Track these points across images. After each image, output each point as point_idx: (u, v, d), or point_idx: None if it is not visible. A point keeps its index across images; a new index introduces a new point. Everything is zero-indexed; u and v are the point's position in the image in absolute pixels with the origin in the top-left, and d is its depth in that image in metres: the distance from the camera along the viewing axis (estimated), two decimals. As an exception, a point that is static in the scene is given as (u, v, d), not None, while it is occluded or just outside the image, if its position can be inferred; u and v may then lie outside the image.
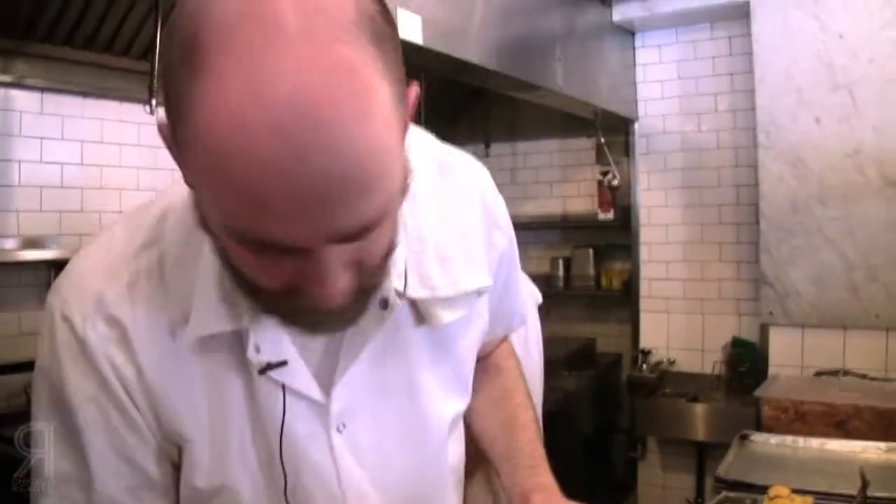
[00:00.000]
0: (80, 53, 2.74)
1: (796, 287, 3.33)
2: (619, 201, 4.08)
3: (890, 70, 3.15)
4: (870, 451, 2.23)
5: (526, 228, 4.15)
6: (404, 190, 0.69)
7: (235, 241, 0.66)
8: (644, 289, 4.08)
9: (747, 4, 3.45)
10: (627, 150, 4.09)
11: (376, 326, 0.83)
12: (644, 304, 4.08)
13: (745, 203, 3.76)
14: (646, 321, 4.07)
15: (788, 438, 2.36)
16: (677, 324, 3.99)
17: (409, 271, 0.86)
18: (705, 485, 3.64)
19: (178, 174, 0.70)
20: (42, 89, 2.80)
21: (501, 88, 3.08)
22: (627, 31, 3.96)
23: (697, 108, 3.92)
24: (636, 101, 4.04)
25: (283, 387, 0.83)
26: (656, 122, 4.02)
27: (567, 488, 1.06)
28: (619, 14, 3.75)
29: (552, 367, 3.35)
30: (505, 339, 1.26)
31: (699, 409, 3.56)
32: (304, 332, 0.79)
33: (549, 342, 3.05)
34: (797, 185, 3.32)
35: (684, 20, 3.84)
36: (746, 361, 3.62)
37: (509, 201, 1.07)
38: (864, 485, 1.70)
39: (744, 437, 2.38)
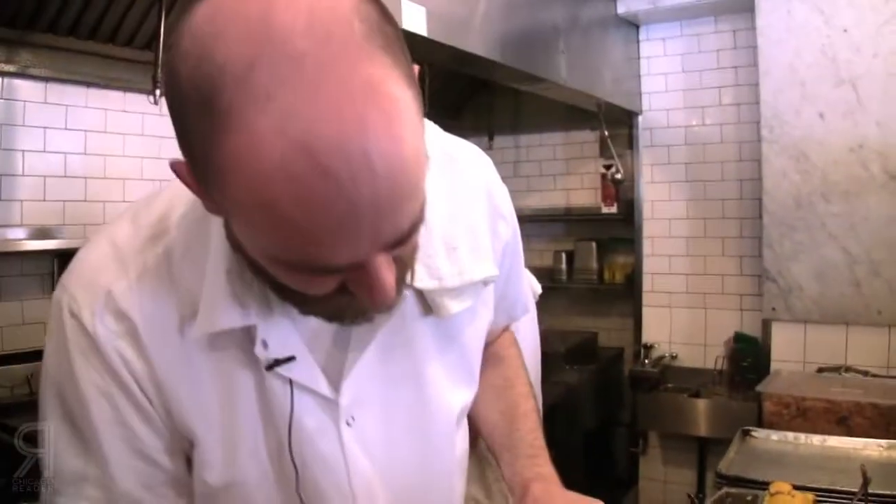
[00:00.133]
0: (83, 43, 2.74)
1: (799, 282, 3.32)
2: (623, 195, 4.07)
3: (894, 65, 3.14)
4: (871, 447, 2.24)
5: (529, 221, 4.14)
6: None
7: (284, 269, 0.67)
8: (647, 283, 4.07)
9: (752, -2, 3.44)
10: (631, 143, 4.07)
11: (384, 318, 0.83)
12: (646, 298, 4.07)
13: (749, 198, 3.75)
14: (648, 315, 4.07)
15: (790, 434, 2.37)
16: (680, 318, 3.98)
17: (416, 262, 0.86)
18: (706, 480, 3.64)
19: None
20: (46, 79, 2.80)
21: (505, 80, 3.08)
22: (631, 24, 3.95)
23: (701, 101, 3.90)
24: (640, 94, 4.03)
25: (291, 382, 0.83)
26: (660, 115, 4.01)
27: (568, 482, 1.07)
28: (623, 7, 3.74)
29: (554, 360, 3.37)
30: (507, 328, 1.26)
31: (701, 404, 3.56)
32: (346, 326, 0.80)
33: (551, 335, 3.07)
34: (800, 179, 3.31)
35: (688, 13, 3.83)
36: (748, 357, 3.61)
37: (512, 194, 1.07)
38: (866, 481, 1.70)
39: (745, 433, 2.38)
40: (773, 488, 1.77)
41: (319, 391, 0.85)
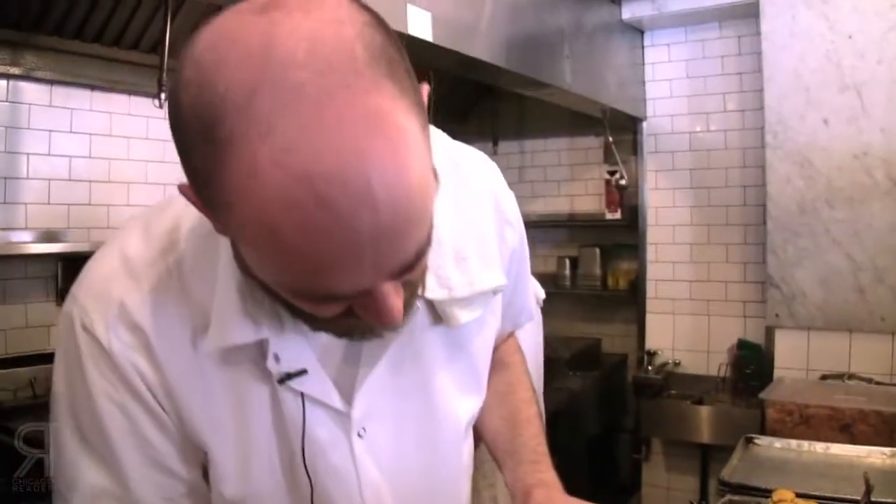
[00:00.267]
0: (89, 46, 2.75)
1: (803, 289, 3.32)
2: (627, 201, 4.07)
3: (899, 72, 3.14)
4: (874, 455, 2.23)
5: (533, 227, 4.11)
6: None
7: (291, 295, 0.67)
8: (650, 289, 4.07)
9: (756, 4, 3.44)
10: (635, 149, 4.07)
11: (394, 333, 0.83)
12: (650, 304, 4.07)
13: (753, 204, 3.74)
14: (652, 322, 4.06)
15: (793, 442, 2.36)
16: (683, 325, 3.98)
17: (427, 270, 0.85)
18: (709, 487, 3.63)
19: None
20: (51, 82, 2.81)
21: (510, 86, 3.08)
22: (636, 30, 3.95)
23: (706, 107, 3.90)
24: (644, 100, 4.03)
25: (303, 395, 0.83)
26: (664, 121, 4.01)
27: (571, 488, 1.07)
28: (628, 12, 3.74)
29: (557, 366, 3.37)
30: (511, 334, 1.26)
31: (704, 411, 3.55)
32: (355, 341, 0.80)
33: (554, 341, 3.06)
34: (804, 185, 3.31)
35: (693, 19, 3.83)
36: (752, 364, 3.60)
37: (517, 200, 1.07)
38: (869, 489, 1.70)
39: (748, 440, 2.38)
40: (776, 496, 1.77)
41: (332, 404, 0.85)
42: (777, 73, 3.38)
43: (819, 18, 3.27)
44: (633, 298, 4.13)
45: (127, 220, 0.91)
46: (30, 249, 2.69)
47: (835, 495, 1.83)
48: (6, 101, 2.71)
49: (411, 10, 2.05)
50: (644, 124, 4.04)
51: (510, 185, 1.07)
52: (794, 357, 3.38)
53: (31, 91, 2.77)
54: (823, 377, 3.23)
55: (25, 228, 2.76)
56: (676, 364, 3.96)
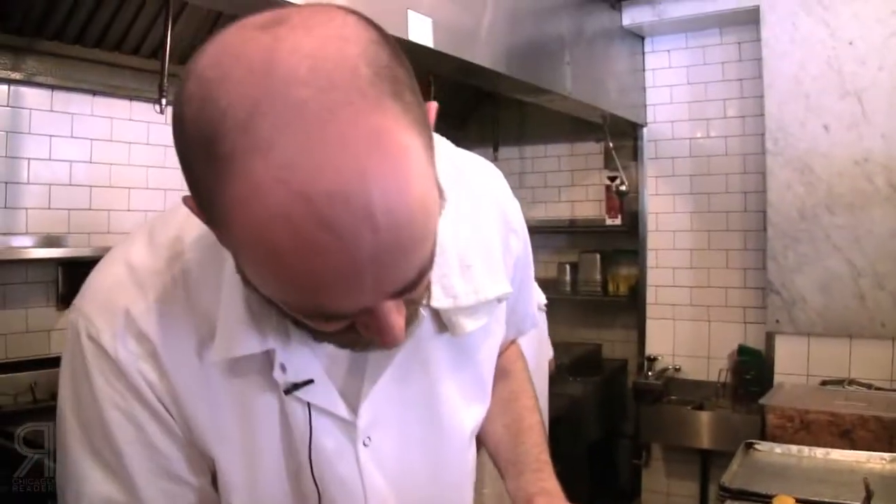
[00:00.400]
0: (90, 52, 2.76)
1: (803, 295, 3.32)
2: (627, 206, 4.08)
3: (900, 78, 3.15)
4: (874, 461, 2.23)
5: (533, 233, 4.09)
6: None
7: (292, 310, 0.67)
8: (650, 295, 4.07)
9: (757, 10, 3.45)
10: (636, 155, 4.08)
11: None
12: (650, 310, 4.07)
13: (753, 210, 3.75)
14: (652, 328, 4.06)
15: (793, 447, 2.36)
16: (683, 331, 3.98)
17: (431, 282, 0.85)
18: (709, 493, 3.63)
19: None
20: (52, 87, 2.81)
21: (510, 92, 3.09)
22: (637, 36, 3.96)
23: (706, 113, 3.91)
24: (645, 106, 4.04)
25: (309, 405, 0.83)
26: (665, 127, 4.01)
27: (571, 494, 1.06)
28: (628, 18, 3.75)
29: (558, 372, 3.36)
30: (513, 341, 1.25)
31: (704, 416, 3.55)
32: (360, 353, 0.80)
33: (554, 347, 3.06)
34: (805, 192, 3.31)
35: (694, 25, 3.83)
36: (752, 369, 3.61)
37: (517, 206, 1.07)
38: (869, 495, 1.70)
39: (748, 446, 2.38)
40: (776, 501, 1.77)
41: (338, 413, 0.85)
42: (777, 79, 3.38)
43: (819, 25, 3.27)
44: (633, 304, 4.14)
45: (131, 229, 0.90)
46: (30, 254, 2.69)
47: (835, 501, 1.83)
48: (7, 106, 2.71)
49: (412, 16, 2.05)
50: (644, 130, 4.05)
51: (510, 190, 1.07)
52: (794, 363, 3.38)
53: (32, 96, 2.77)
54: (823, 383, 3.23)
55: (26, 233, 2.76)
56: (677, 370, 3.96)
